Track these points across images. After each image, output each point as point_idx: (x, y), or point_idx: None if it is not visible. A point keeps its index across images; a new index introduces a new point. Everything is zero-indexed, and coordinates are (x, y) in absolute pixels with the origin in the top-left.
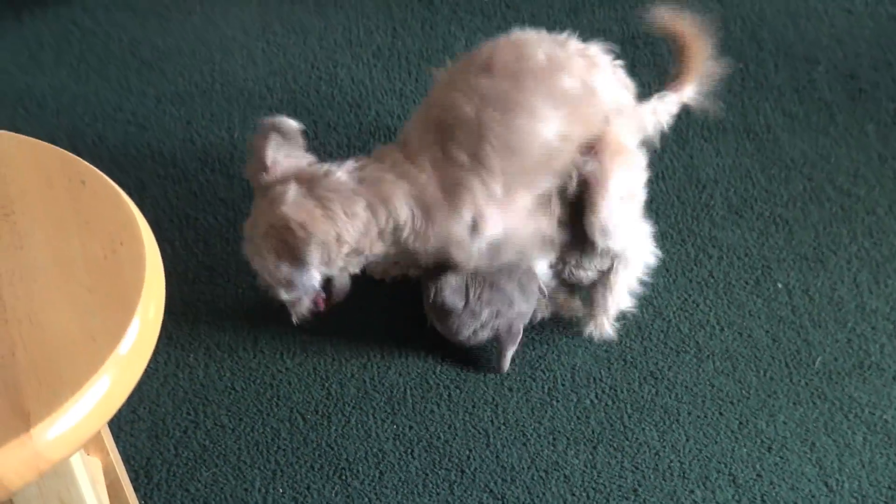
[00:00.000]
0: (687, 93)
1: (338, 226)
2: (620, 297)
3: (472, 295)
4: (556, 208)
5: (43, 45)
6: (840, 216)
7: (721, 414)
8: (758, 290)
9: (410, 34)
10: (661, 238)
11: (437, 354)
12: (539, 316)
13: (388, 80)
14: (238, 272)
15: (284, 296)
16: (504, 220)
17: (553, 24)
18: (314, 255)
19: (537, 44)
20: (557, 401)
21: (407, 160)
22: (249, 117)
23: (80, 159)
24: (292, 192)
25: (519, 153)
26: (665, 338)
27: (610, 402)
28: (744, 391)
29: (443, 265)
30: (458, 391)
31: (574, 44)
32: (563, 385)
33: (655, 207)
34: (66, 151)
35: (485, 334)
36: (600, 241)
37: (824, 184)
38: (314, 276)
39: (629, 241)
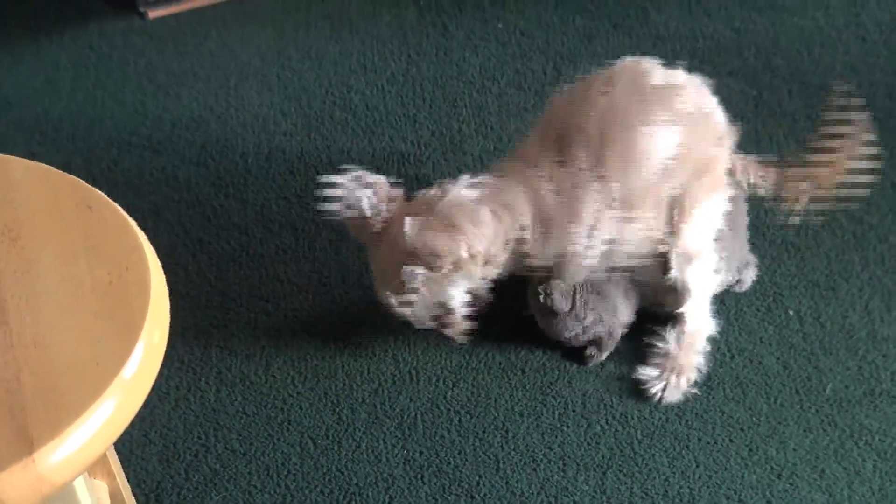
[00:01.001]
0: (798, 190)
1: (468, 238)
2: (695, 350)
3: (578, 300)
4: (664, 220)
5: (60, 70)
6: (852, 244)
7: (731, 440)
8: (769, 317)
9: (425, 60)
10: None
11: (449, 380)
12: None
13: (402, 105)
14: (251, 297)
15: (439, 324)
16: (620, 230)
17: (567, 51)
18: (453, 275)
19: (653, 68)
20: (568, 426)
21: (527, 170)
22: (264, 142)
23: (88, 185)
24: (408, 224)
25: (638, 167)
26: None
27: (620, 429)
28: (754, 418)
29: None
30: (468, 416)
31: (680, 72)
32: (573, 411)
33: None
34: (74, 177)
35: (585, 337)
36: (676, 269)
37: (837, 211)
38: (458, 296)
39: (701, 278)
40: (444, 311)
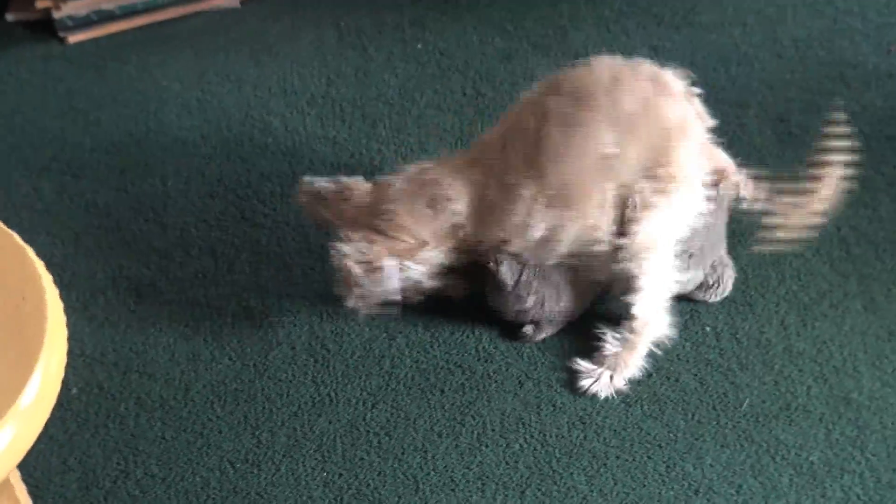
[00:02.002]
0: (779, 208)
1: (405, 229)
2: (637, 349)
3: (523, 279)
4: (611, 214)
5: None
6: (768, 259)
7: (649, 457)
8: (686, 334)
9: (345, 82)
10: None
11: (368, 401)
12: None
13: (322, 127)
14: (170, 322)
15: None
16: (559, 220)
17: (486, 71)
18: (389, 270)
19: (608, 67)
20: (486, 446)
21: (467, 164)
22: (183, 166)
23: None
24: (348, 249)
25: (572, 164)
26: None
27: (539, 447)
28: (671, 434)
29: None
30: (387, 438)
31: (647, 67)
32: (492, 430)
33: None
34: None
35: (528, 318)
36: (626, 262)
37: (752, 227)
38: (394, 285)
39: (654, 273)
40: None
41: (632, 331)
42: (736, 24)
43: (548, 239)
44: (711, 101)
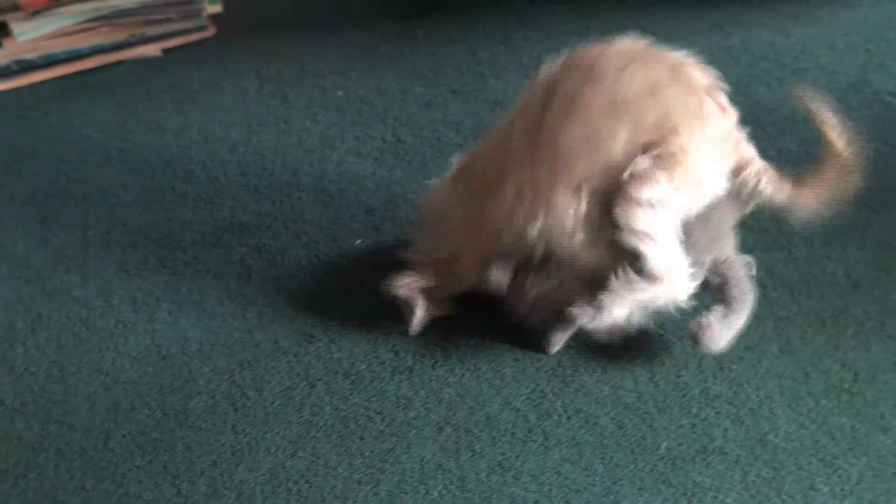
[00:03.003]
0: (801, 197)
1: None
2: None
3: (519, 276)
4: (584, 205)
5: None
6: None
7: (567, 502)
8: (605, 378)
9: (266, 129)
10: (521, 330)
11: (288, 449)
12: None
13: (243, 175)
14: (90, 371)
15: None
16: (536, 209)
17: (406, 118)
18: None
19: (628, 48)
20: (406, 493)
21: (465, 166)
22: (104, 215)
23: None
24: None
25: (563, 148)
26: (513, 427)
27: (458, 493)
28: (589, 478)
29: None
30: (307, 486)
31: (671, 56)
32: (411, 477)
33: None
34: None
35: (537, 315)
36: (631, 218)
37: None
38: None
39: (662, 245)
40: None
41: (642, 275)
42: None
43: (545, 231)
44: None
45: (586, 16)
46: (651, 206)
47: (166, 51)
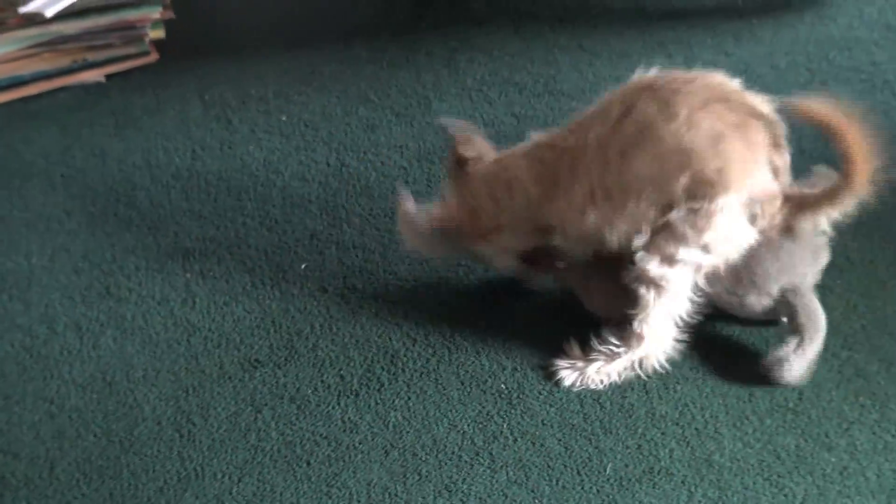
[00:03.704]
0: (841, 204)
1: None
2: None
3: (595, 275)
4: (651, 219)
5: None
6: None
7: None
8: (550, 400)
9: (210, 155)
10: (466, 352)
11: (234, 475)
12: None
13: (187, 201)
14: (35, 399)
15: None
16: (605, 212)
17: (351, 142)
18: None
19: (707, 87)
20: None
21: (546, 146)
22: (48, 242)
23: None
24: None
25: (632, 167)
26: (460, 450)
27: None
28: (536, 500)
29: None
30: None
31: (747, 103)
32: (358, 501)
33: (449, 320)
34: None
35: (612, 314)
36: (637, 282)
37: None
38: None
39: (663, 301)
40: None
41: (623, 341)
42: (596, 90)
43: (599, 229)
44: None
45: (529, 38)
46: (673, 262)
47: (109, 76)
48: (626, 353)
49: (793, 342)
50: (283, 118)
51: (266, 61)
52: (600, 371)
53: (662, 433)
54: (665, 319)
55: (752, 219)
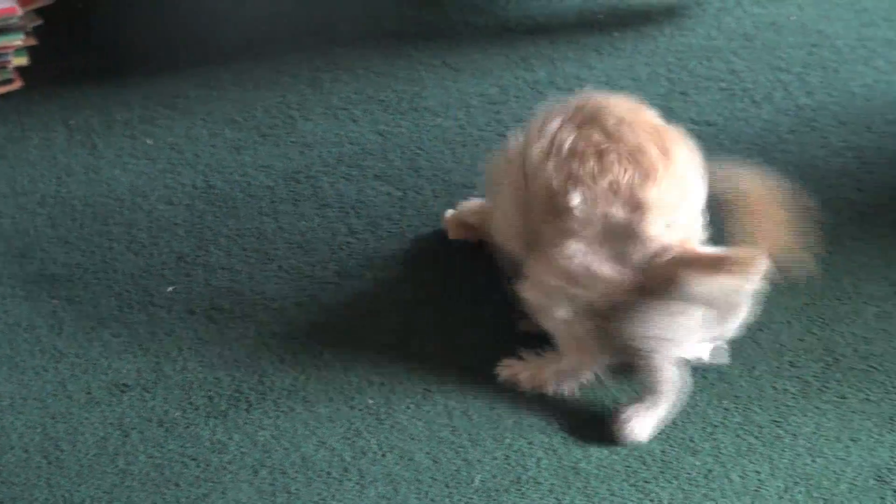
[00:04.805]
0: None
1: None
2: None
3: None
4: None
5: None
6: (500, 335)
7: None
8: (418, 414)
9: (75, 180)
10: (334, 369)
11: (103, 500)
12: None
13: (53, 227)
14: None
15: None
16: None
17: (217, 163)
18: None
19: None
20: None
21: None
22: None
23: None
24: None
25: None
26: (329, 467)
27: None
28: None
29: None
30: None
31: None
32: None
33: (317, 337)
34: None
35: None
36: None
37: (484, 305)
38: None
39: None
40: None
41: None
42: (461, 106)
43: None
44: (438, 184)
45: (393, 55)
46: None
47: None
48: (558, 359)
49: (645, 400)
50: (149, 142)
51: (131, 85)
52: (534, 378)
53: (530, 443)
54: (569, 339)
55: (620, 256)
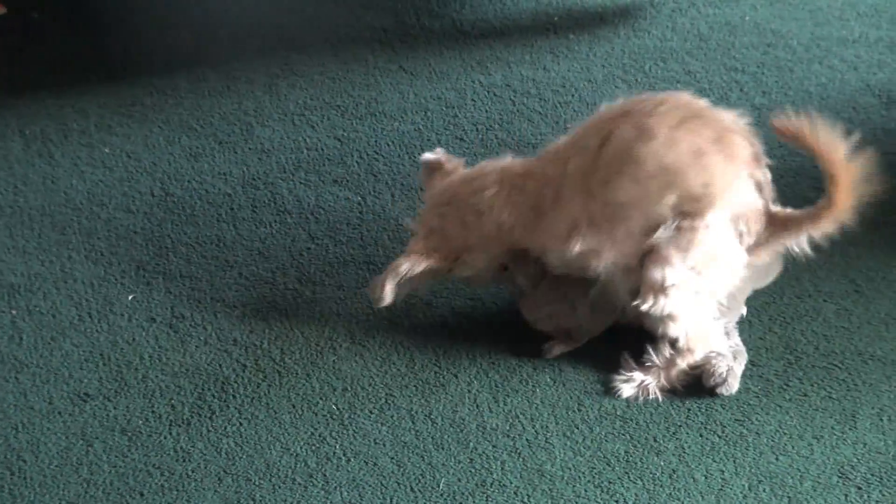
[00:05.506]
0: (824, 226)
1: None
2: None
3: (541, 288)
4: (639, 245)
5: None
6: (460, 338)
7: None
8: (382, 418)
9: (32, 190)
10: (297, 375)
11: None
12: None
13: (11, 237)
14: None
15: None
16: (593, 240)
17: (174, 171)
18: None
19: (681, 107)
20: None
21: (523, 174)
22: None
23: None
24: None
25: (617, 193)
26: (293, 473)
27: None
28: None
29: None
30: None
31: (720, 120)
32: None
33: (280, 344)
34: None
35: (543, 326)
36: (647, 303)
37: (443, 309)
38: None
39: (684, 323)
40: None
41: (675, 351)
42: (418, 111)
43: (585, 256)
44: (397, 188)
45: (349, 61)
46: (665, 289)
47: None
48: (673, 359)
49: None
50: (106, 150)
51: (87, 94)
52: (660, 381)
53: (494, 446)
54: (698, 320)
55: (739, 237)
